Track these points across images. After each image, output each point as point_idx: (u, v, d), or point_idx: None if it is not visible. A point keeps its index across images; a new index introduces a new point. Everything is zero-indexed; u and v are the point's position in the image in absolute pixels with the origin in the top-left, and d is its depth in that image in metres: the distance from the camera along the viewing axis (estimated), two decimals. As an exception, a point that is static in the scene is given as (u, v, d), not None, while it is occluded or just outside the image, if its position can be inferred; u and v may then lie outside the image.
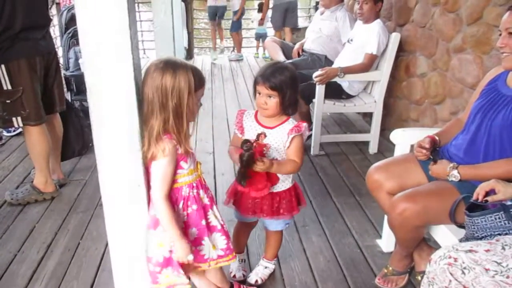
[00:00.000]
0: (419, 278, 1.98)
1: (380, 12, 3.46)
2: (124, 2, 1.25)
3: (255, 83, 1.74)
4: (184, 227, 1.49)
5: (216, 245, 1.58)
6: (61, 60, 3.77)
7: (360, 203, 2.78)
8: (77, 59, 3.79)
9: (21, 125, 2.63)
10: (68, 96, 3.73)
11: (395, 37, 3.30)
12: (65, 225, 2.53)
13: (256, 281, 2.03)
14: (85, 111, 3.68)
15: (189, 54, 7.40)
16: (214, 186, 2.97)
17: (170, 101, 1.34)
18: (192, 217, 1.50)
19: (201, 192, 1.52)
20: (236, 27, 7.29)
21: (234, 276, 2.05)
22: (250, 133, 1.78)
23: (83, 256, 2.26)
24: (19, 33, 2.47)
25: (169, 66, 1.36)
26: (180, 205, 1.48)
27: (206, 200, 1.53)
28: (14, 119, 2.59)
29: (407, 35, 3.38)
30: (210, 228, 1.54)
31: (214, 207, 1.56)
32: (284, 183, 1.83)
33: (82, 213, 2.65)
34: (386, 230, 2.26)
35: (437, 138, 1.87)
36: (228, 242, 1.62)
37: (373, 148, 3.54)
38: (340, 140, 3.72)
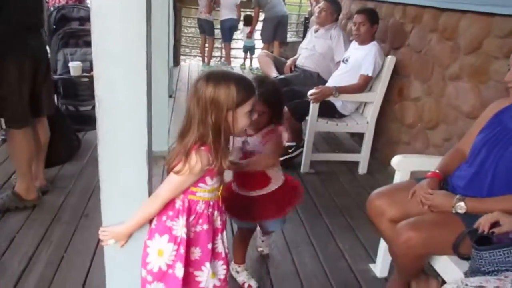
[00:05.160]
0: None
1: (375, 34, 3.49)
2: (143, 14, 1.20)
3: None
4: (186, 244, 1.39)
5: (216, 274, 1.48)
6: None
7: (351, 225, 2.76)
8: (66, 61, 3.69)
9: (4, 127, 2.53)
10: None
11: (391, 60, 3.33)
12: (48, 236, 2.42)
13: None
14: (71, 116, 3.59)
15: (176, 61, 7.32)
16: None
17: (209, 115, 1.27)
18: (200, 237, 1.41)
19: (216, 213, 1.44)
20: (229, 38, 7.24)
21: (249, 286, 2.11)
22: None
23: (67, 271, 2.16)
24: (12, 32, 2.37)
25: (211, 78, 1.30)
26: (191, 219, 1.39)
27: (218, 223, 1.46)
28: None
29: (402, 58, 3.41)
30: (214, 254, 1.46)
31: (224, 232, 1.49)
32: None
33: (66, 224, 2.54)
34: (381, 255, 2.24)
35: (442, 175, 1.86)
36: (227, 273, 1.53)
37: (363, 169, 3.54)
38: (329, 159, 3.71)
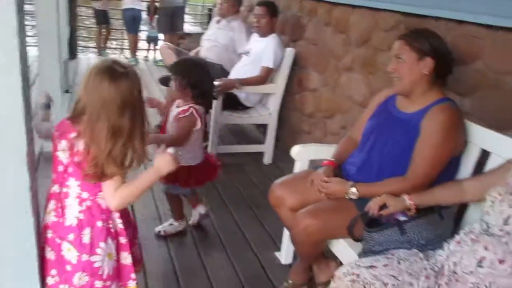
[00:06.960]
0: None
1: (275, 27, 3.56)
2: (13, 4, 1.08)
3: None
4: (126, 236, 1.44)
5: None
6: None
7: (257, 215, 2.81)
8: None
9: None
10: None
11: (290, 52, 3.43)
12: None
13: (159, 232, 2.48)
14: None
15: (72, 53, 6.85)
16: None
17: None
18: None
19: None
20: (133, 29, 6.94)
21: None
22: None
23: None
24: None
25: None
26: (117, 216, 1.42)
27: None
28: None
29: (300, 50, 3.52)
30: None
31: None
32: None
33: None
34: (285, 243, 2.30)
35: (337, 163, 1.95)
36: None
37: (267, 159, 3.62)
38: (235, 150, 3.73)
